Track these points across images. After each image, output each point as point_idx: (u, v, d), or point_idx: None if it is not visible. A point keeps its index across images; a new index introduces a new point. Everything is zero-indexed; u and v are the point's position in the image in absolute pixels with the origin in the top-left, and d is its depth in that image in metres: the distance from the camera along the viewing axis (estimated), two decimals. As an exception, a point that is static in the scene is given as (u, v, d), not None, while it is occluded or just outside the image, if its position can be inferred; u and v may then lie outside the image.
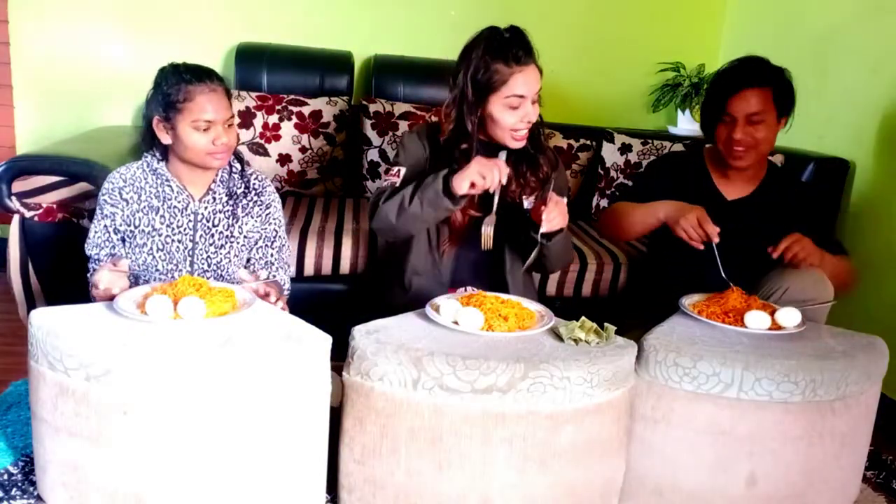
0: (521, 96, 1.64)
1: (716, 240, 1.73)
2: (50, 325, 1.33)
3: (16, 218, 2.01)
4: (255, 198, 1.75)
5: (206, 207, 1.71)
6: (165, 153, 1.69)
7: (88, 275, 1.69)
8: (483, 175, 1.58)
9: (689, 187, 1.94)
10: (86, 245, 1.69)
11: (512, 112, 1.66)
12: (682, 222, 1.76)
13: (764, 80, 1.81)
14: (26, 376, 1.40)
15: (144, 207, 1.67)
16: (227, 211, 1.72)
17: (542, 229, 1.62)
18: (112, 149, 2.24)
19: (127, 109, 2.86)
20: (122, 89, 2.83)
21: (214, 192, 1.72)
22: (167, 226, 1.67)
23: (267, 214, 1.76)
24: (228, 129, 1.64)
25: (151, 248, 1.66)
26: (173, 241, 1.68)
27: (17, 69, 2.77)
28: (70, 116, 2.80)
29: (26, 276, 2.06)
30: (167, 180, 1.68)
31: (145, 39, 2.82)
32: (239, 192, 1.74)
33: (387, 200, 1.69)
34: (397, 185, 1.72)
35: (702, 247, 1.75)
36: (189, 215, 1.69)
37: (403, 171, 1.74)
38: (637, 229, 1.93)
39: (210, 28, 2.87)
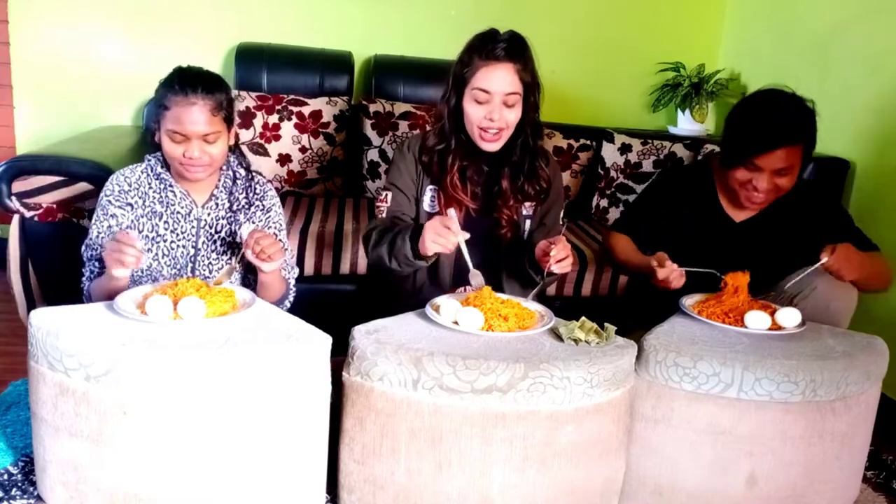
0: (486, 91, 1.62)
1: (681, 276, 1.70)
2: (50, 325, 1.33)
3: (16, 218, 2.01)
4: (258, 203, 1.74)
5: (208, 214, 1.69)
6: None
7: (84, 278, 1.66)
8: (436, 242, 1.54)
9: (695, 210, 1.90)
10: (85, 246, 1.66)
11: (477, 106, 1.64)
12: (654, 281, 1.73)
13: (798, 138, 1.70)
14: (26, 376, 1.40)
15: (148, 213, 1.66)
16: (230, 217, 1.71)
17: (555, 271, 1.60)
18: (112, 149, 2.25)
19: (127, 109, 2.87)
20: (122, 89, 2.83)
21: (217, 199, 1.70)
22: (171, 231, 1.66)
23: (267, 218, 1.75)
24: (209, 144, 1.59)
25: (157, 254, 1.65)
26: (178, 246, 1.67)
27: (17, 69, 2.77)
28: (70, 116, 2.81)
29: (26, 276, 2.06)
30: (171, 185, 1.66)
31: (145, 39, 2.82)
32: (241, 199, 1.72)
33: (376, 246, 1.68)
34: (384, 212, 1.76)
35: (682, 281, 1.71)
36: (192, 221, 1.68)
37: (391, 195, 1.76)
38: (632, 272, 1.98)
39: (210, 28, 2.87)
